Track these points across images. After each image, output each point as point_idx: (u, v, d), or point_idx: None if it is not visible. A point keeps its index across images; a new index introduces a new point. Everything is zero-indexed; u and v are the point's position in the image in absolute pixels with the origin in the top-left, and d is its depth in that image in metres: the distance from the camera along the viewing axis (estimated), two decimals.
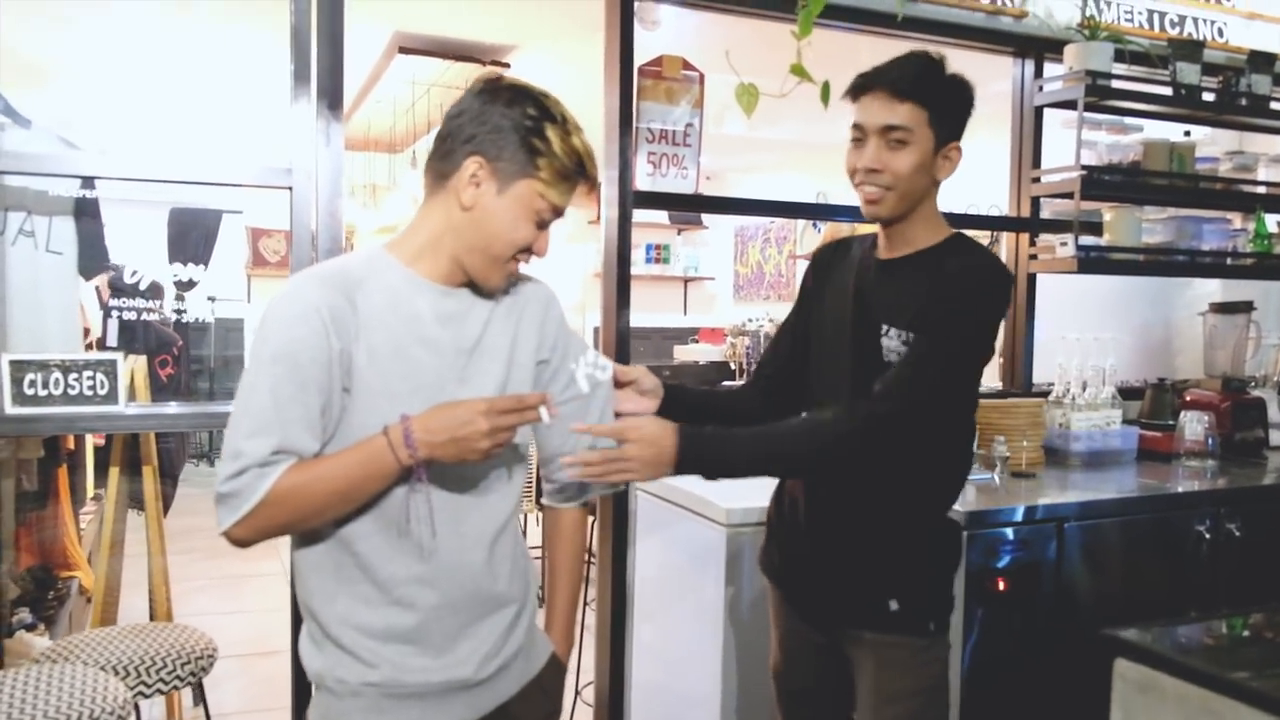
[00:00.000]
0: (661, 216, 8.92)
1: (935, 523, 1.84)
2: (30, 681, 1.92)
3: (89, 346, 3.97)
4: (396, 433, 1.29)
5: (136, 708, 2.23)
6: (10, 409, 2.46)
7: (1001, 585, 2.43)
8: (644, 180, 3.04)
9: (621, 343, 2.97)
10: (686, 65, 3.08)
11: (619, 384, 1.73)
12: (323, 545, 1.37)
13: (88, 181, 2.81)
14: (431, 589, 1.40)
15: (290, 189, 2.59)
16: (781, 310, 7.81)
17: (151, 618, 3.06)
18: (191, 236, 3.56)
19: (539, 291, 1.57)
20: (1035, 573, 2.49)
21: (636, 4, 2.97)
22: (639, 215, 8.54)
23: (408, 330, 1.38)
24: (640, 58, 2.98)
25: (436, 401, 1.35)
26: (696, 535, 2.59)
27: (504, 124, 1.35)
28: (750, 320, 7.17)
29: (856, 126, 1.71)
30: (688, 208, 3.38)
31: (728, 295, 9.07)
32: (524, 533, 5.23)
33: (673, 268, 9.02)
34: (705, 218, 9.13)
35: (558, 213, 1.41)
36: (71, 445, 3.94)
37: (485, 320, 1.46)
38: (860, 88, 1.70)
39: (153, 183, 2.84)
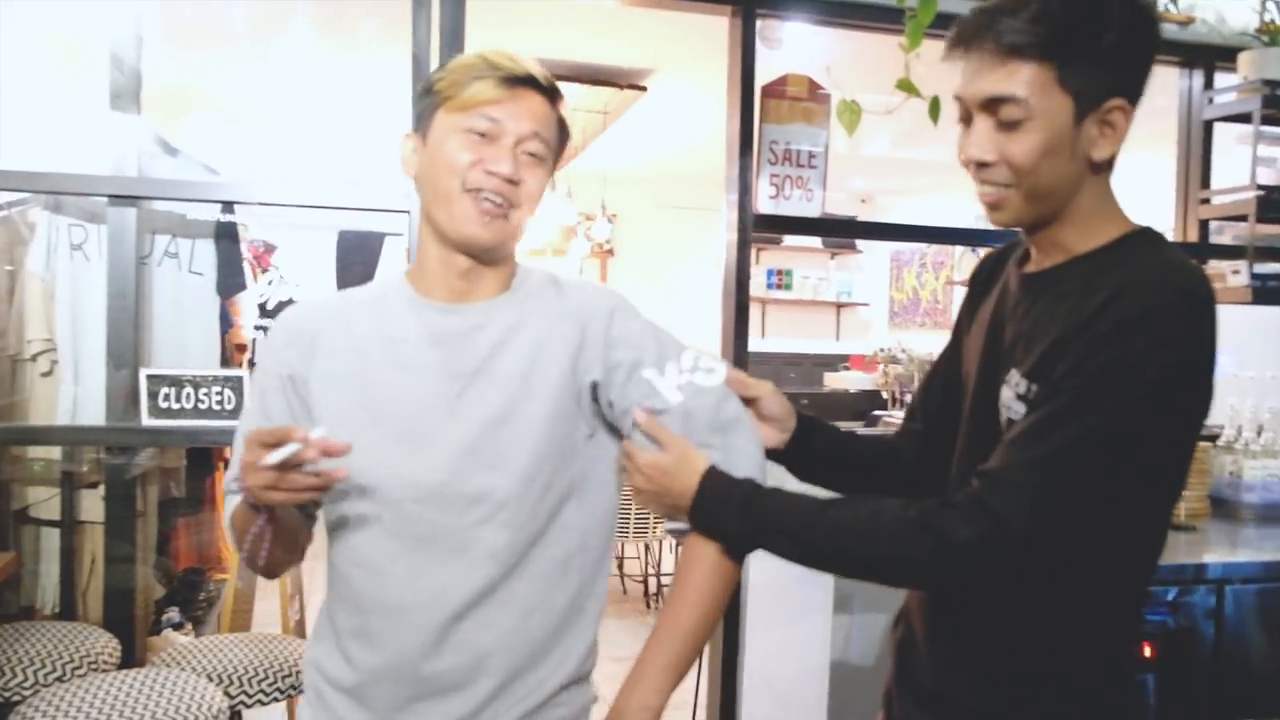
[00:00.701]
0: (815, 240, 8.76)
1: (1102, 673, 1.22)
2: (132, 685, 1.99)
3: (250, 363, 4.21)
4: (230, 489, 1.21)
5: (237, 716, 2.29)
6: (146, 421, 2.60)
7: (1148, 651, 2.18)
8: (765, 203, 2.94)
9: (739, 369, 2.87)
10: (813, 85, 2.97)
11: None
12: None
13: (227, 206, 2.95)
14: (370, 649, 1.19)
15: (408, 212, 2.64)
16: (937, 339, 7.47)
17: (283, 628, 3.17)
18: (356, 258, 3.72)
19: (588, 303, 1.24)
20: (1190, 641, 2.22)
21: (758, 22, 2.88)
22: (791, 239, 8.36)
23: (383, 355, 1.21)
24: (768, 78, 2.89)
25: (411, 432, 1.17)
26: (804, 578, 2.46)
27: (423, 88, 1.23)
28: (903, 349, 6.92)
29: (958, 100, 1.19)
30: (810, 232, 3.26)
31: (882, 321, 8.78)
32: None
33: (825, 292, 8.81)
34: (861, 242, 8.89)
35: (489, 120, 1.15)
36: (228, 454, 4.17)
37: (498, 341, 1.20)
38: (956, 42, 1.18)
39: (287, 207, 2.97)
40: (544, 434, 1.18)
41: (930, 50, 2.04)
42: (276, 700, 2.26)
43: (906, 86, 1.85)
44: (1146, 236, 1.19)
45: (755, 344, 9.09)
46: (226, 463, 4.19)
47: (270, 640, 2.42)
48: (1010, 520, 1.08)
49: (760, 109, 2.92)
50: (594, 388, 1.22)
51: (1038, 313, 1.19)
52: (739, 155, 2.88)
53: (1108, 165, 1.18)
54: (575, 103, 5.18)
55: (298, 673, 2.30)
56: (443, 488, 1.16)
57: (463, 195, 1.16)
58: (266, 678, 2.26)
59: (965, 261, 7.34)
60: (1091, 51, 1.13)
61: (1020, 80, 1.12)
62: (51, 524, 2.95)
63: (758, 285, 8.32)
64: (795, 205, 2.98)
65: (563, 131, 1.25)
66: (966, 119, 1.19)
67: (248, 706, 2.24)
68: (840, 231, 3.03)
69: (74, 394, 2.77)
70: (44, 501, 2.94)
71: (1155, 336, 1.08)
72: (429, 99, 1.20)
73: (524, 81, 1.17)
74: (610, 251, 8.27)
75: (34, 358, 2.88)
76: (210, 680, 2.19)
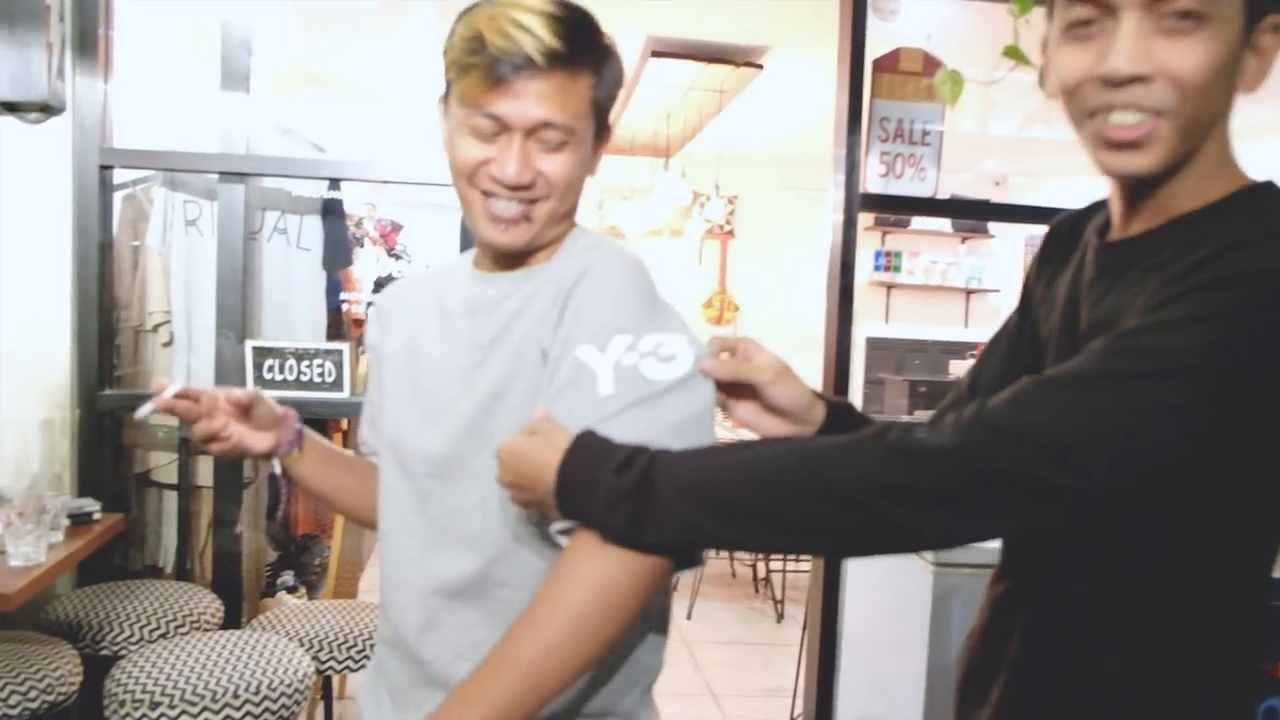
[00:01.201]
0: (944, 223, 8.43)
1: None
2: (226, 646, 2.06)
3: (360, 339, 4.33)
4: None
5: (328, 681, 2.35)
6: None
7: None
8: (875, 182, 2.81)
9: (842, 357, 2.77)
10: (928, 59, 2.81)
11: (732, 387, 1.08)
12: None
13: (334, 184, 3.02)
14: (386, 621, 1.16)
15: None
16: None
17: None
18: None
19: (575, 264, 1.05)
20: None
21: None
22: (919, 222, 8.01)
23: (432, 327, 1.15)
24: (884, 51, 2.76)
25: (436, 405, 1.10)
26: (904, 570, 2.36)
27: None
28: None
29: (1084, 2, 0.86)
30: (919, 212, 3.10)
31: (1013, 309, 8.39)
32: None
33: (954, 278, 8.48)
34: (993, 225, 8.51)
35: (489, 117, 1.01)
36: (345, 425, 4.31)
37: (515, 312, 1.07)
38: None
39: (391, 184, 3.01)
40: (527, 415, 1.00)
41: (1041, 16, 1.90)
42: (365, 667, 2.30)
43: (1014, 54, 1.71)
44: (1268, 191, 0.91)
45: (878, 329, 8.85)
46: (344, 433, 4.33)
47: (367, 609, 2.47)
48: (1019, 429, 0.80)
49: (871, 84, 2.80)
50: (544, 357, 1.04)
51: (1119, 293, 0.92)
52: (847, 132, 2.76)
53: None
54: (690, 81, 5.11)
55: None
56: (448, 464, 1.08)
57: (477, 196, 1.05)
58: (355, 645, 2.30)
59: None
60: None
61: None
62: (171, 487, 3.09)
63: (866, 268, 8.07)
64: (907, 185, 2.84)
65: (603, 87, 1.05)
66: (1086, 24, 0.86)
67: (336, 672, 2.29)
68: (952, 212, 2.85)
69: (187, 364, 2.89)
70: (164, 466, 3.08)
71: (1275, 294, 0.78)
72: (444, 67, 1.07)
73: (524, 65, 0.98)
74: (730, 233, 8.17)
75: (155, 328, 3.01)
76: (301, 645, 2.25)
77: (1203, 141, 0.89)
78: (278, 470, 1.27)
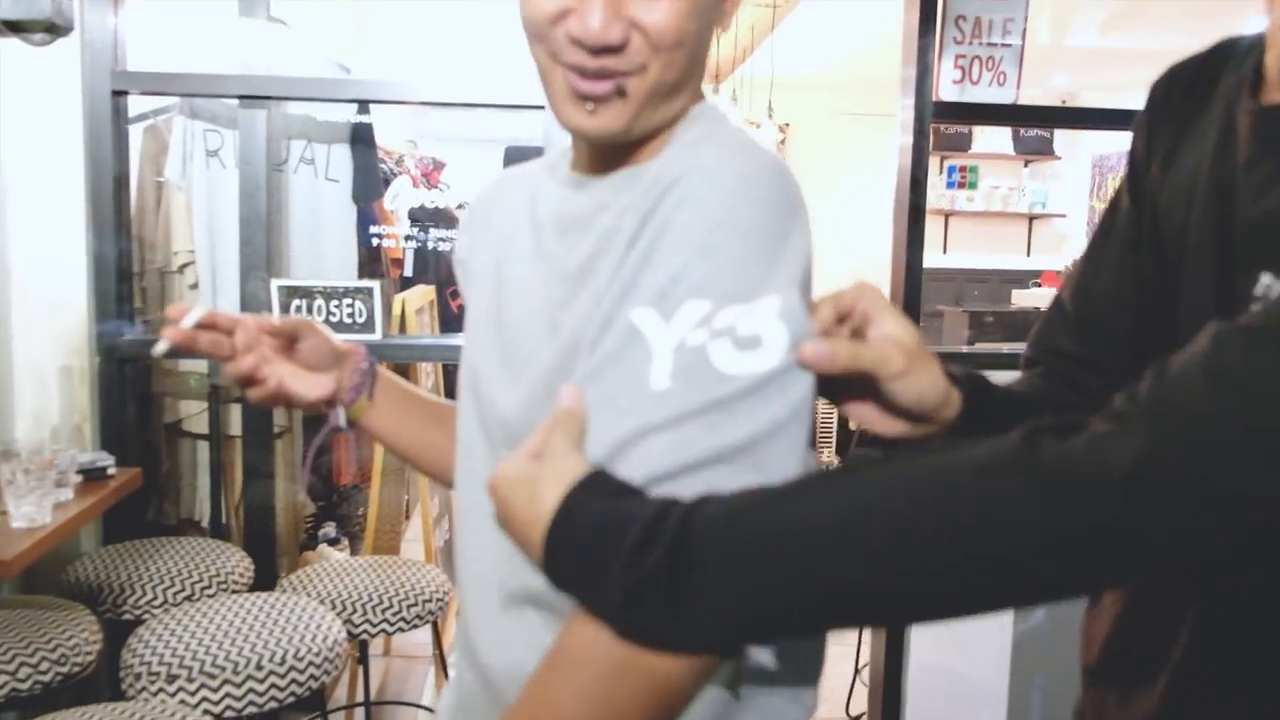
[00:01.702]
0: (1005, 144, 8.02)
1: None
2: (252, 610, 1.91)
3: (400, 277, 4.14)
4: None
5: (364, 646, 2.20)
6: None
7: None
8: (949, 89, 2.53)
9: (912, 289, 2.51)
10: None
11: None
12: None
13: (363, 107, 2.80)
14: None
15: (543, 108, 2.40)
16: None
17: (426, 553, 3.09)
18: None
19: (670, 168, 0.72)
20: None
21: None
22: (980, 144, 7.58)
23: (525, 244, 0.85)
24: None
25: (518, 349, 0.81)
26: None
27: None
28: None
29: None
30: (1003, 121, 2.81)
31: (1080, 234, 8.00)
32: None
33: (1016, 203, 8.09)
34: (1059, 146, 8.07)
35: None
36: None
37: (608, 230, 0.75)
38: None
39: (424, 105, 2.79)
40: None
41: None
42: (402, 630, 2.15)
43: None
44: None
45: (935, 259, 8.51)
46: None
47: (405, 565, 2.31)
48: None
49: None
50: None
51: None
52: (918, 33, 2.47)
53: None
54: None
55: (424, 601, 2.18)
56: (520, 433, 0.76)
57: (554, 68, 0.75)
58: (391, 606, 2.14)
59: None
60: None
61: None
62: (203, 438, 2.95)
63: (937, 190, 7.70)
64: (984, 91, 2.56)
65: None
66: None
67: (371, 636, 2.14)
68: (1043, 120, 2.52)
69: (212, 304, 2.72)
70: (195, 415, 2.94)
71: None
72: None
73: None
74: None
75: (180, 269, 2.85)
76: (333, 608, 2.10)
77: None
78: (342, 422, 1.02)
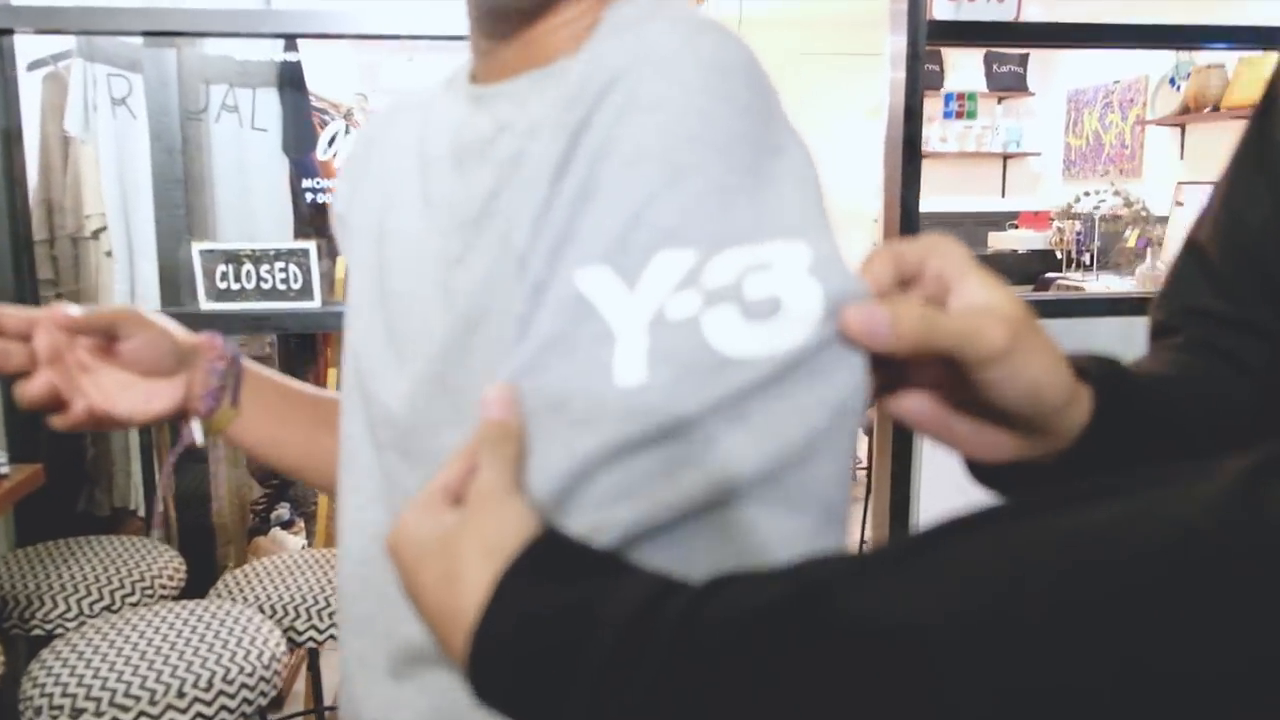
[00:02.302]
0: (977, 79, 7.75)
1: None
2: (182, 621, 1.66)
3: None
4: None
5: (313, 654, 1.96)
6: (205, 304, 2.23)
7: None
8: (943, 7, 2.28)
9: (910, 230, 2.28)
10: None
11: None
12: None
13: (290, 44, 2.50)
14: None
15: None
16: (1125, 190, 6.43)
17: None
18: None
19: (619, 53, 0.51)
20: None
21: None
22: (953, 80, 7.30)
23: (413, 186, 0.64)
24: None
25: (401, 332, 0.62)
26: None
27: None
28: (1083, 196, 6.03)
29: None
30: (1006, 40, 2.57)
31: (1055, 173, 7.80)
32: None
33: (989, 142, 7.86)
34: (1032, 81, 7.83)
35: None
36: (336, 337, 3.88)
37: (507, 158, 0.56)
38: None
39: (355, 38, 2.49)
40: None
41: None
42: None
43: None
44: None
45: None
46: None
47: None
48: None
49: None
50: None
51: None
52: None
53: None
54: None
55: None
56: (411, 434, 0.59)
57: None
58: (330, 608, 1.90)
59: (1162, 95, 6.32)
60: None
61: None
62: None
63: (931, 120, 7.45)
64: (982, 8, 2.31)
65: None
66: None
67: (318, 643, 1.90)
68: (1053, 38, 2.25)
69: (129, 275, 2.43)
70: None
71: None
72: None
73: None
74: None
75: (95, 235, 2.55)
76: (272, 614, 1.85)
77: None
78: (199, 439, 0.77)
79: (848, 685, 0.32)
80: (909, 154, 2.27)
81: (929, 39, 2.25)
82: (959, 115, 6.89)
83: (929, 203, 7.93)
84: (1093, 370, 0.52)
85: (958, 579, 0.33)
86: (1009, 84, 7.81)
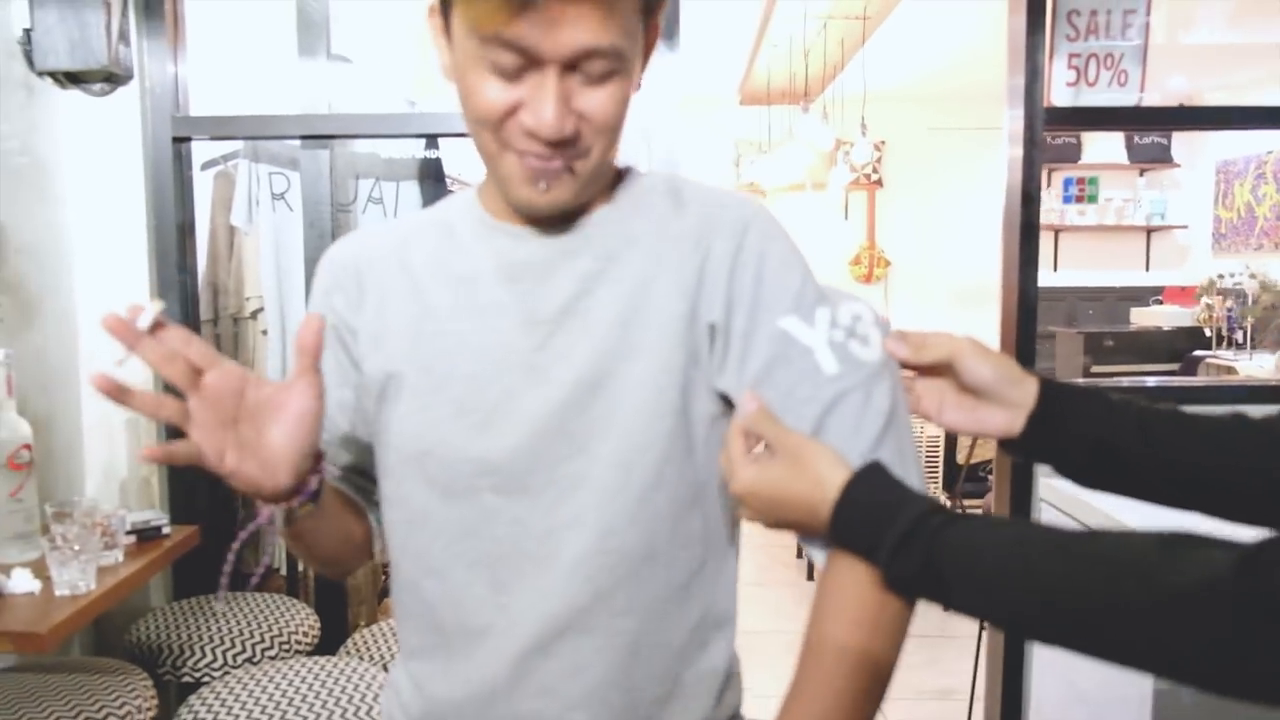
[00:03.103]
0: (1119, 154, 7.56)
1: None
2: (311, 676, 1.78)
3: None
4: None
5: None
6: None
7: None
8: (1062, 92, 2.29)
9: (1025, 311, 2.27)
10: None
11: (914, 368, 0.91)
12: None
13: (431, 142, 2.70)
14: (443, 677, 0.90)
15: None
16: (1263, 271, 6.14)
17: None
18: None
19: (715, 217, 0.84)
20: None
21: None
22: (1090, 154, 7.24)
23: (452, 300, 0.86)
24: None
25: (482, 400, 0.83)
26: None
27: None
28: (1230, 275, 5.77)
29: None
30: (1126, 124, 2.55)
31: (1204, 247, 7.48)
32: None
33: (1131, 215, 7.62)
34: (1177, 152, 7.59)
35: (514, 51, 0.73)
36: None
37: (592, 274, 0.83)
38: None
39: None
40: (651, 405, 0.81)
41: None
42: None
43: None
44: None
45: (1045, 278, 8.08)
46: None
47: None
48: None
49: None
50: (711, 332, 0.83)
51: None
52: (1025, 31, 2.24)
53: None
54: (829, 10, 4.59)
55: None
56: (526, 475, 0.82)
57: (504, 152, 0.79)
58: None
59: None
60: None
61: None
62: None
63: (1052, 203, 7.30)
64: (1103, 94, 2.31)
65: None
66: None
67: None
68: (1173, 121, 2.29)
69: (282, 353, 2.64)
70: None
71: None
72: None
73: None
74: (878, 182, 7.57)
75: (253, 315, 2.79)
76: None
77: None
78: (278, 522, 0.84)
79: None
80: (1026, 236, 2.27)
81: (1046, 124, 2.26)
82: (1079, 199, 6.72)
83: (1068, 277, 7.69)
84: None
85: None
86: (1152, 155, 7.59)
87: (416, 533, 0.87)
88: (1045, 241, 7.62)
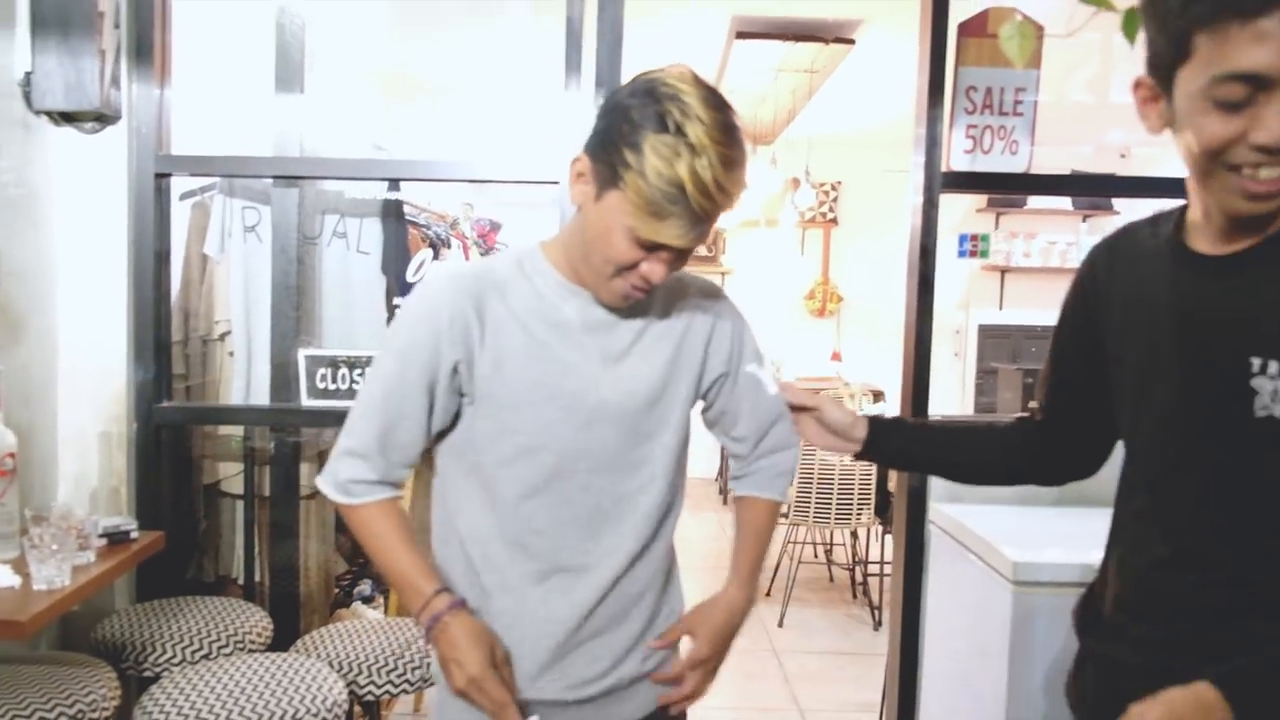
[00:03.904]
0: (1064, 201, 7.91)
1: None
2: (263, 669, 1.98)
3: None
4: (429, 610, 1.26)
5: (372, 706, 2.25)
6: (306, 401, 2.62)
7: None
8: (960, 158, 2.56)
9: (922, 350, 2.52)
10: (1023, 17, 2.53)
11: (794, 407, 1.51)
12: None
13: (394, 185, 2.93)
14: (545, 605, 1.35)
15: (557, 183, 2.49)
16: None
17: None
18: None
19: (706, 301, 1.39)
20: None
21: None
22: (1035, 199, 7.55)
23: (551, 338, 1.27)
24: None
25: (583, 406, 1.27)
26: (982, 585, 2.12)
27: (609, 120, 1.17)
28: None
29: (1242, 79, 0.96)
30: (1014, 190, 2.82)
31: None
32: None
33: (1074, 258, 7.95)
34: (1118, 200, 7.94)
35: (659, 245, 1.17)
36: None
37: (639, 330, 1.32)
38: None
39: (447, 182, 2.91)
40: (683, 413, 1.36)
41: None
42: (406, 692, 2.20)
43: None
44: None
45: (991, 316, 8.37)
46: None
47: (411, 627, 2.36)
48: None
49: (957, 50, 2.55)
50: (719, 380, 1.40)
51: (1267, 292, 1.06)
52: (928, 104, 2.51)
53: None
54: (779, 62, 4.88)
55: (429, 663, 2.22)
56: (615, 458, 1.29)
57: (613, 278, 1.22)
58: (394, 667, 2.19)
59: None
60: None
61: None
62: (239, 498, 3.06)
63: (999, 244, 7.64)
64: (996, 160, 2.58)
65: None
66: (1236, 102, 0.98)
67: (376, 697, 2.19)
68: (1053, 188, 2.55)
69: (246, 372, 2.84)
70: (233, 476, 3.05)
71: None
72: (618, 160, 1.13)
73: (717, 213, 1.16)
74: (833, 221, 7.87)
75: (221, 338, 2.99)
76: (339, 669, 2.16)
77: None
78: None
79: None
80: (923, 288, 2.53)
81: (944, 187, 2.53)
82: (972, 254, 7.04)
83: (1013, 315, 7.93)
84: (874, 418, 1.49)
85: None
86: (1094, 203, 7.94)
87: (529, 501, 1.27)
88: (993, 281, 7.95)
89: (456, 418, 1.30)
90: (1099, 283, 1.29)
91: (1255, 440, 1.05)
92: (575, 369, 1.26)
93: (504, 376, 1.25)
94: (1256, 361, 1.04)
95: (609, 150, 1.14)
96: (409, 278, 2.79)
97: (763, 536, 1.48)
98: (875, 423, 1.50)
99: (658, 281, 1.21)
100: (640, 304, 1.30)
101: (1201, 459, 1.11)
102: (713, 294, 1.41)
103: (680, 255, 1.21)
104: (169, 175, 2.61)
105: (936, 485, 2.52)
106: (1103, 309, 1.27)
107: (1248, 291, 1.08)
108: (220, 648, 2.21)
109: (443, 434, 1.31)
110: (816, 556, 5.27)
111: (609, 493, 1.29)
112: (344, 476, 1.28)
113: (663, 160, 1.10)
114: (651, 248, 1.17)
